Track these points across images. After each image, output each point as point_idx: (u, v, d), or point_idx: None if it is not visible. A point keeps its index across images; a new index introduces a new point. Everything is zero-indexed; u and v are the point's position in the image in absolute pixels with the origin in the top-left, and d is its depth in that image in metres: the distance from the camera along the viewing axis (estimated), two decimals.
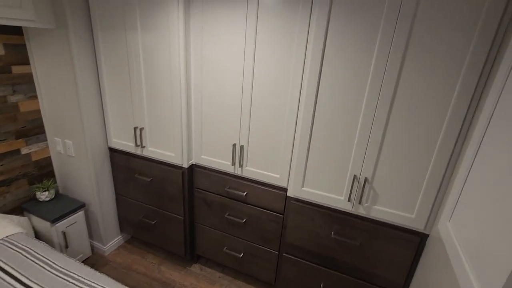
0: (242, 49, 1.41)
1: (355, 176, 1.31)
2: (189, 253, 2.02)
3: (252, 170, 1.61)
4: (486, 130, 0.89)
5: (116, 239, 2.23)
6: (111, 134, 1.91)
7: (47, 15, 1.58)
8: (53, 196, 2.00)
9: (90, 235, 2.17)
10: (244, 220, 1.73)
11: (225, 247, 1.88)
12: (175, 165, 1.78)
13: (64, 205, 1.93)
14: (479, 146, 0.91)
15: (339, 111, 1.26)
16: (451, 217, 1.01)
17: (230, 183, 1.71)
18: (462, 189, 0.97)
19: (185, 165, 1.74)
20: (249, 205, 1.69)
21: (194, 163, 1.79)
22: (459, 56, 1.02)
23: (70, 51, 1.64)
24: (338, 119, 1.27)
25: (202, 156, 1.74)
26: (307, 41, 1.27)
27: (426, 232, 1.27)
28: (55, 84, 1.79)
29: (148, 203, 2.00)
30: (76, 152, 1.92)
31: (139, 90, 1.69)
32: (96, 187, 1.96)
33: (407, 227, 1.30)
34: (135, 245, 2.29)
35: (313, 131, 1.34)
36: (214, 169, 1.74)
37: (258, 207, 1.67)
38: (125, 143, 1.88)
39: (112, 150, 1.99)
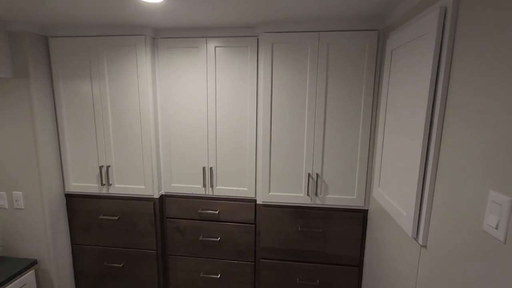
0: (205, 87, 1.72)
1: (309, 174, 1.67)
2: None
3: (223, 188, 1.82)
4: (384, 125, 1.38)
5: None
6: (69, 179, 1.87)
7: (4, 64, 1.61)
8: None
9: None
10: (219, 238, 1.87)
11: (201, 273, 1.93)
12: (145, 197, 1.85)
13: (10, 267, 1.71)
14: (384, 134, 1.39)
15: (290, 124, 1.65)
16: (379, 183, 1.44)
17: (202, 205, 1.86)
18: (381, 163, 1.42)
19: (156, 196, 1.83)
20: (222, 223, 1.86)
21: (164, 193, 1.89)
22: (359, 79, 1.56)
23: (30, 100, 1.67)
24: (289, 130, 1.66)
25: (172, 185, 1.86)
26: (257, 75, 1.67)
27: (366, 208, 1.68)
28: (9, 135, 1.72)
29: (114, 245, 1.93)
30: (26, 204, 1.78)
31: (106, 130, 1.78)
32: (51, 240, 1.81)
33: (353, 207, 1.69)
34: None
35: (271, 144, 1.69)
36: (185, 195, 1.87)
37: (231, 222, 1.85)
38: (87, 185, 1.86)
39: (69, 196, 1.91)
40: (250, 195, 1.80)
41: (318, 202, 1.70)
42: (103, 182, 1.84)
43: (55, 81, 1.77)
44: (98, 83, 1.74)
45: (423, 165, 1.00)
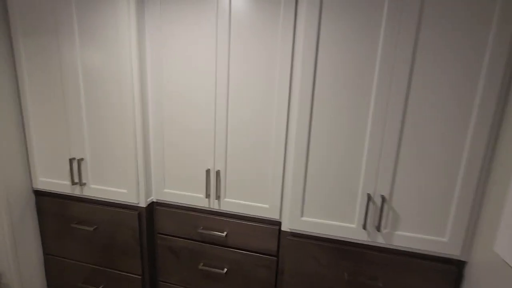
0: (213, 54, 1.13)
1: (369, 196, 1.03)
2: None
3: (233, 202, 1.25)
4: None
5: None
6: (36, 172, 1.42)
7: None
8: None
9: None
10: (225, 270, 1.32)
11: None
12: (128, 205, 1.34)
13: None
14: None
15: (342, 115, 1.01)
16: (508, 225, 0.77)
17: (204, 222, 1.31)
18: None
19: (142, 204, 1.32)
20: (231, 249, 1.30)
21: (155, 200, 1.37)
22: (478, 39, 0.86)
23: None
24: (340, 124, 1.02)
25: (165, 190, 1.34)
26: (293, 39, 1.04)
27: (464, 259, 1.01)
28: None
29: (91, 261, 1.47)
30: None
31: (77, 110, 1.28)
32: (13, 249, 1.39)
33: (440, 255, 1.03)
34: None
35: (310, 142, 1.07)
36: (182, 206, 1.34)
37: (244, 250, 1.29)
38: (57, 182, 1.40)
39: (38, 194, 1.48)
40: (273, 215, 1.22)
41: (380, 241, 1.06)
42: (75, 180, 1.36)
43: (14, 40, 1.29)
44: (67, 44, 1.23)
45: None
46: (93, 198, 1.38)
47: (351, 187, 1.05)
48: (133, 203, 1.32)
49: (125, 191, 1.31)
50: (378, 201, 1.02)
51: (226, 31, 1.10)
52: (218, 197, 1.26)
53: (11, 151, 1.35)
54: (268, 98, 1.12)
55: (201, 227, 1.32)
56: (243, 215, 1.27)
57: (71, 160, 1.33)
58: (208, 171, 1.24)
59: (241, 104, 1.16)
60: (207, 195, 1.27)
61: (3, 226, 1.37)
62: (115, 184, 1.32)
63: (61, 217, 1.46)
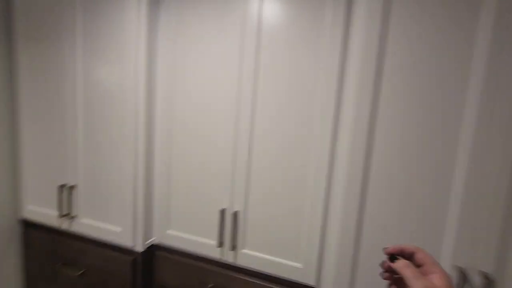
0: (236, 67, 0.89)
1: (463, 271, 0.68)
2: None
3: (254, 256, 0.94)
4: None
5: None
6: (23, 198, 1.21)
7: None
8: None
9: None
10: None
11: None
12: (121, 247, 1.07)
13: None
14: None
15: (417, 142, 0.70)
16: None
17: (215, 278, 1.00)
18: None
19: (139, 247, 1.04)
20: None
21: (155, 243, 1.09)
22: None
23: None
24: (415, 159, 0.70)
25: (168, 232, 1.05)
26: (344, 43, 0.78)
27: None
28: None
29: None
30: None
31: (73, 126, 1.07)
32: None
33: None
34: None
35: (368, 184, 0.75)
36: (188, 253, 1.05)
37: None
38: (45, 212, 1.17)
39: (27, 225, 1.25)
40: (307, 280, 0.88)
41: None
42: (64, 212, 1.12)
43: (14, 46, 1.13)
44: (68, 51, 1.05)
45: None
46: (82, 234, 1.13)
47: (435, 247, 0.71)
48: (127, 245, 1.04)
49: (119, 229, 1.05)
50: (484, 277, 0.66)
51: (252, 50, 0.86)
52: (234, 247, 0.96)
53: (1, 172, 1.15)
54: (305, 127, 0.84)
55: (211, 285, 1.01)
56: (267, 274, 0.94)
57: (61, 187, 1.10)
58: (222, 212, 0.95)
59: (269, 132, 0.88)
60: (220, 243, 0.97)
61: None
62: (109, 219, 1.07)
63: (47, 255, 1.21)
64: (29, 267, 1.27)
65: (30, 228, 1.24)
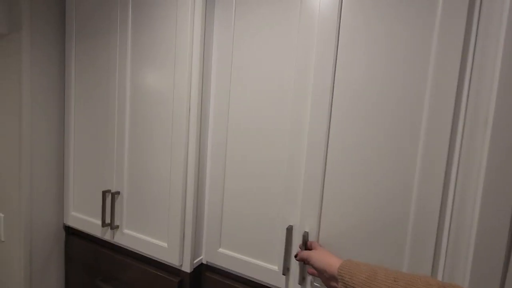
0: (303, 65, 0.71)
1: None
2: None
3: None
4: None
5: None
6: (69, 204, 1.13)
7: None
8: None
9: None
10: None
11: None
12: (166, 265, 0.92)
13: None
14: None
15: None
16: None
17: None
18: None
19: (187, 268, 0.88)
20: None
21: (204, 262, 0.93)
22: None
23: (19, 72, 1.01)
24: None
25: (220, 250, 0.88)
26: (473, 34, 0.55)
27: None
28: None
29: None
30: (8, 234, 1.12)
31: (120, 129, 0.97)
32: None
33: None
34: None
35: None
36: (243, 278, 0.86)
37: None
38: (87, 219, 1.08)
39: (71, 233, 1.18)
40: None
41: None
42: (106, 221, 1.01)
43: (68, 43, 1.08)
44: (119, 57, 0.95)
45: None
46: (125, 247, 1.00)
47: None
48: (172, 263, 0.89)
49: (165, 244, 0.90)
50: None
51: (332, 44, 0.67)
52: (303, 279, 0.75)
53: (41, 177, 1.09)
54: (398, 133, 0.62)
55: None
56: None
57: (104, 193, 0.99)
58: (290, 231, 0.76)
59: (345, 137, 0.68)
60: (286, 270, 0.77)
61: (20, 267, 1.07)
62: (154, 232, 0.93)
63: (87, 267, 1.11)
64: (68, 275, 1.19)
65: (73, 236, 1.16)
